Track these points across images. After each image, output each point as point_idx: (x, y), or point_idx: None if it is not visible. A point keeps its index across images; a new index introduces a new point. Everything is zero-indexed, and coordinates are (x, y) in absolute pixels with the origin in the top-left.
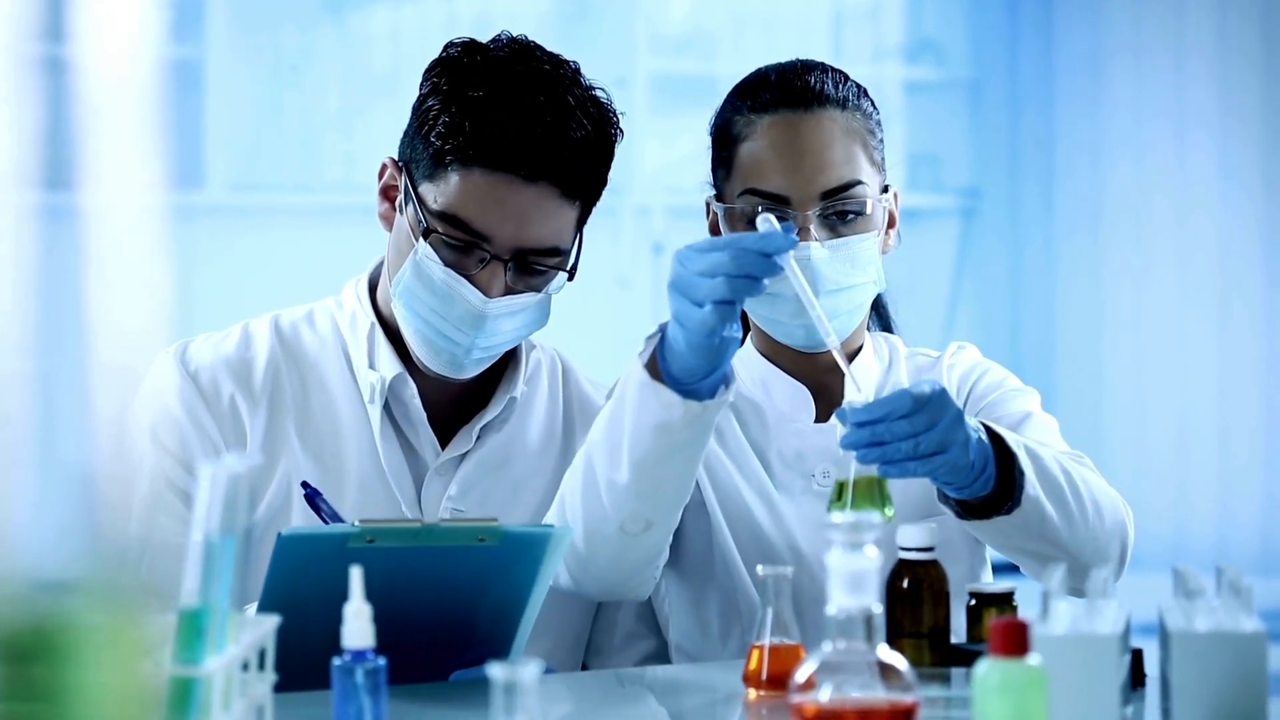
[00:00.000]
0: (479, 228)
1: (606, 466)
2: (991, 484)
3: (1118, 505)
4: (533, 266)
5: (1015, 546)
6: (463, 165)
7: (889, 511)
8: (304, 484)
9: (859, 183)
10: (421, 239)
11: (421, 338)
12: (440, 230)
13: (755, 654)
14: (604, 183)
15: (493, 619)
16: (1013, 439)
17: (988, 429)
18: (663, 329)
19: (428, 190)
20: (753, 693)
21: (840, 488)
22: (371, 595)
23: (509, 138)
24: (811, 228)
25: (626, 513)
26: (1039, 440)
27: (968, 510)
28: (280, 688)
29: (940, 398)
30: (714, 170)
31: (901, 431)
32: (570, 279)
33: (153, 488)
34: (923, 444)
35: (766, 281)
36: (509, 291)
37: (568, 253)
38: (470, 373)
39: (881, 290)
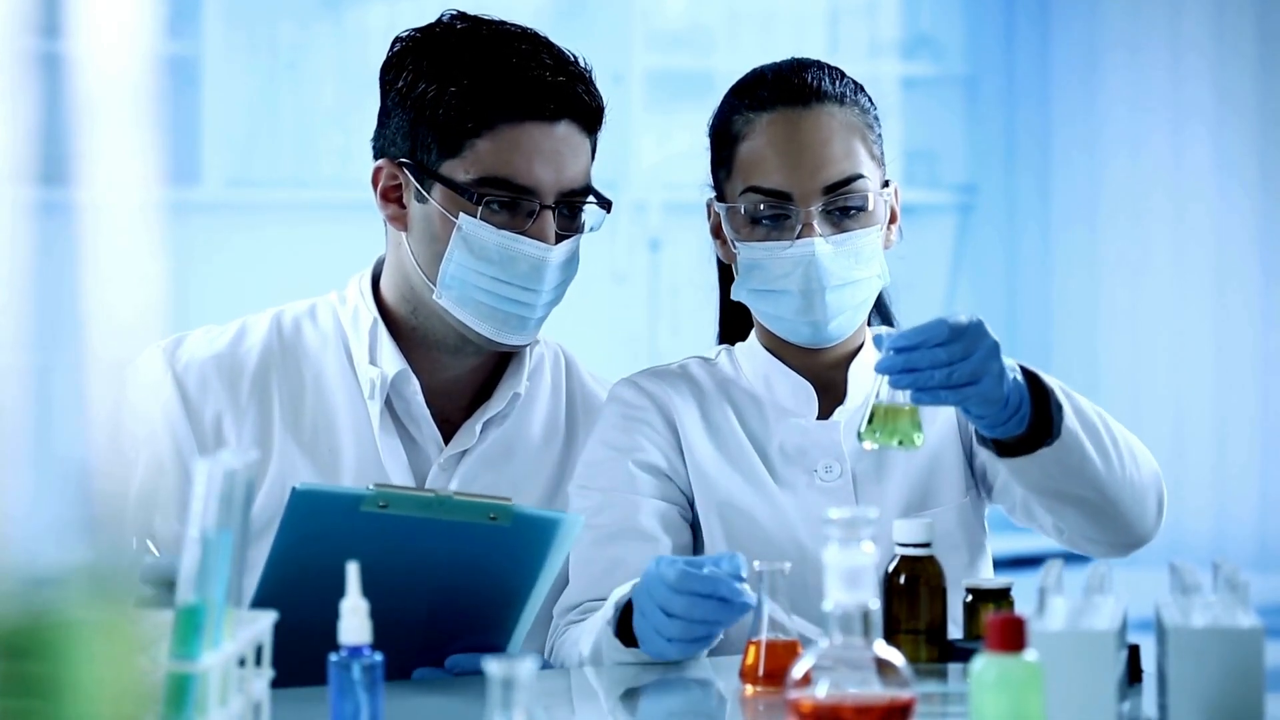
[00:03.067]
0: (523, 181)
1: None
2: (1026, 423)
3: (1150, 457)
4: (574, 209)
5: (1055, 489)
6: (487, 128)
7: (918, 439)
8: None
9: (860, 176)
10: (465, 214)
11: (484, 309)
12: (488, 194)
13: (752, 649)
14: (603, 114)
15: (495, 602)
16: (1049, 378)
17: (1023, 369)
18: (632, 614)
19: (453, 168)
20: (749, 688)
21: (872, 414)
22: (377, 565)
23: (520, 86)
24: (815, 223)
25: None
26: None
27: (1005, 450)
28: (280, 649)
29: (977, 328)
30: (714, 171)
31: (937, 359)
32: (608, 211)
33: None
34: (956, 373)
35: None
36: (559, 239)
37: (597, 192)
38: (532, 334)
39: (886, 284)
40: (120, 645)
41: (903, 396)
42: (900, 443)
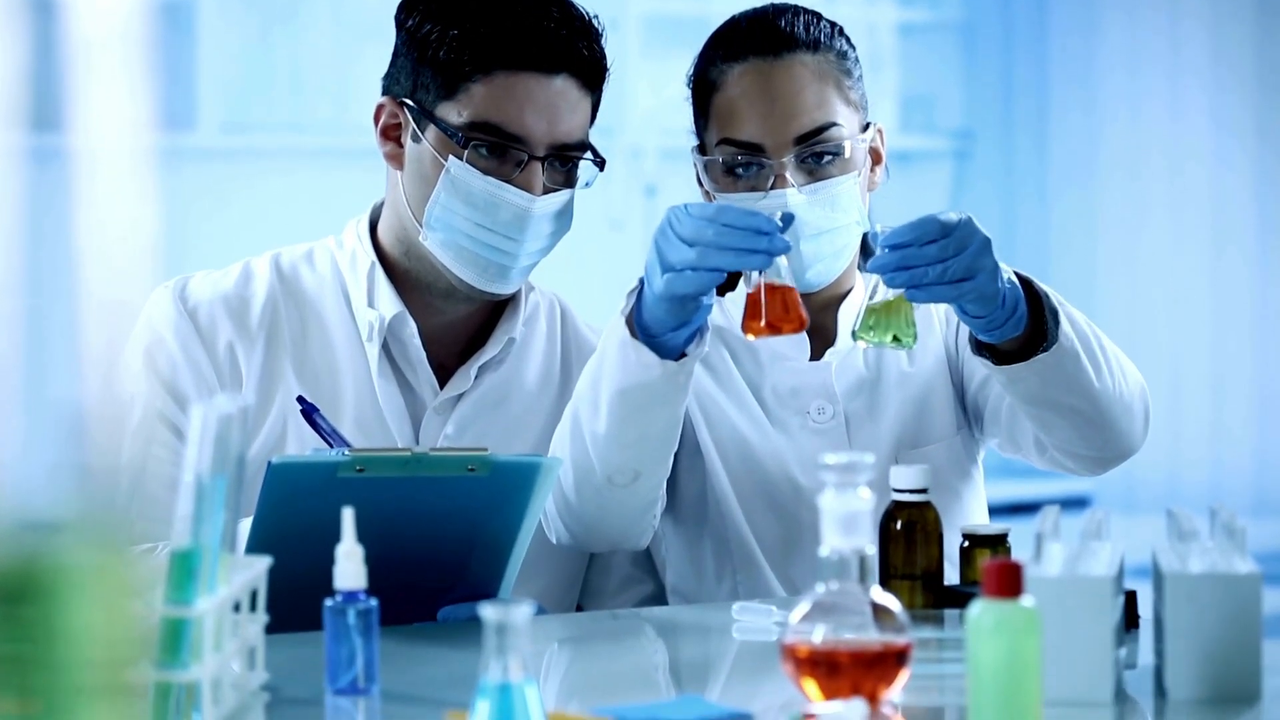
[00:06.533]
0: (514, 129)
1: (589, 420)
2: (1023, 325)
3: (1136, 371)
4: (566, 162)
5: (1047, 399)
6: (483, 73)
7: (912, 336)
8: (300, 399)
9: (833, 125)
10: (453, 156)
11: (466, 255)
12: (476, 139)
13: (752, 297)
14: (606, 74)
15: (483, 551)
16: (1041, 284)
17: (1018, 274)
18: (642, 281)
19: (447, 110)
20: (750, 335)
21: (868, 313)
22: (361, 526)
23: (522, 35)
24: (788, 174)
25: (613, 466)
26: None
27: (1002, 359)
28: (269, 615)
29: (967, 225)
30: (695, 122)
31: (930, 256)
32: (601, 169)
33: (144, 420)
34: (951, 269)
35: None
36: (547, 191)
37: (592, 148)
38: (515, 284)
39: (866, 230)
40: (114, 590)
41: (894, 296)
42: (895, 339)
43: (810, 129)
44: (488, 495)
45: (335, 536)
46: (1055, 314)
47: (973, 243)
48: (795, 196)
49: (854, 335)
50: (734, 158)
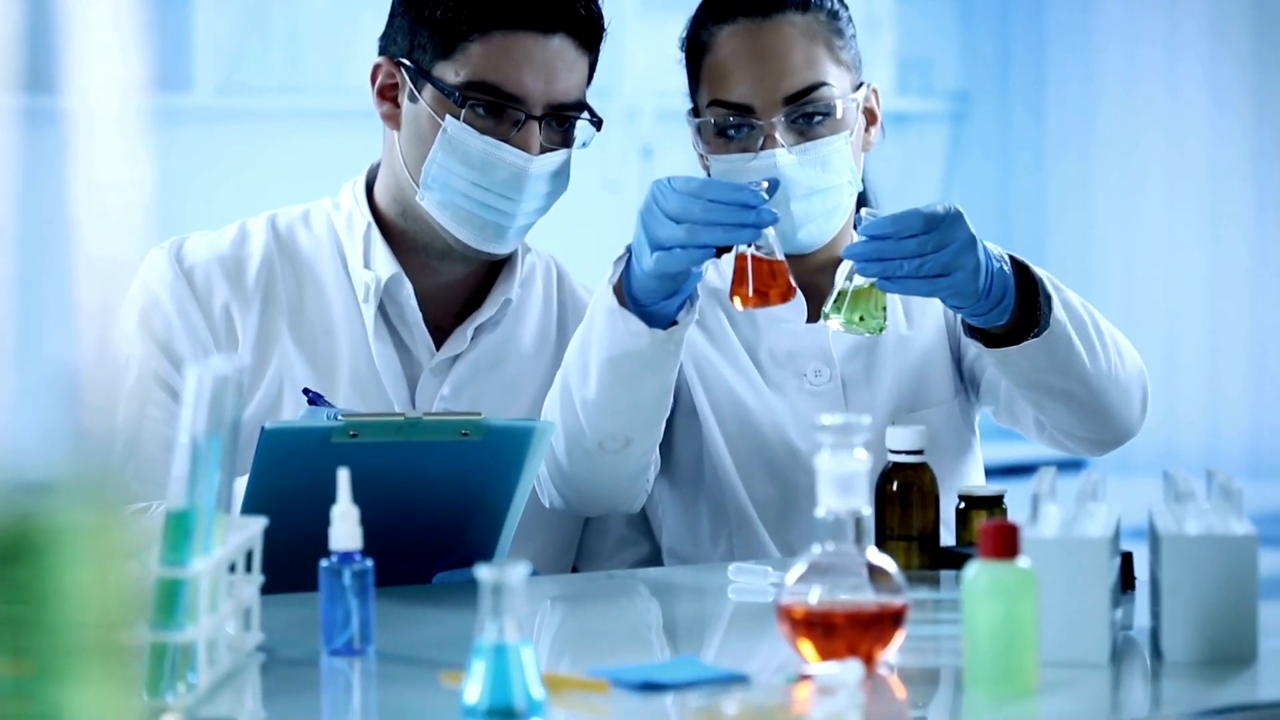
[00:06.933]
0: (511, 89)
1: (579, 387)
2: (1009, 314)
3: (1135, 354)
4: (564, 122)
5: (1040, 382)
6: (480, 32)
7: (881, 322)
8: (306, 390)
9: (822, 84)
10: (450, 115)
11: (463, 214)
12: (474, 98)
13: (740, 266)
14: (603, 34)
15: (477, 516)
16: (1039, 270)
17: (1014, 260)
18: (630, 249)
19: (444, 69)
20: (738, 301)
21: (839, 295)
22: (356, 491)
23: None
24: (777, 134)
25: (604, 432)
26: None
27: (993, 341)
28: (264, 581)
29: (953, 221)
30: (689, 85)
31: (907, 250)
32: (599, 129)
33: (140, 381)
34: (927, 264)
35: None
36: (544, 151)
37: (589, 108)
38: (512, 244)
39: (859, 190)
40: (108, 551)
41: (867, 283)
42: (861, 319)
43: (799, 89)
44: (481, 459)
45: (330, 501)
46: (1049, 298)
47: (954, 241)
48: (785, 157)
49: (824, 314)
50: (725, 119)
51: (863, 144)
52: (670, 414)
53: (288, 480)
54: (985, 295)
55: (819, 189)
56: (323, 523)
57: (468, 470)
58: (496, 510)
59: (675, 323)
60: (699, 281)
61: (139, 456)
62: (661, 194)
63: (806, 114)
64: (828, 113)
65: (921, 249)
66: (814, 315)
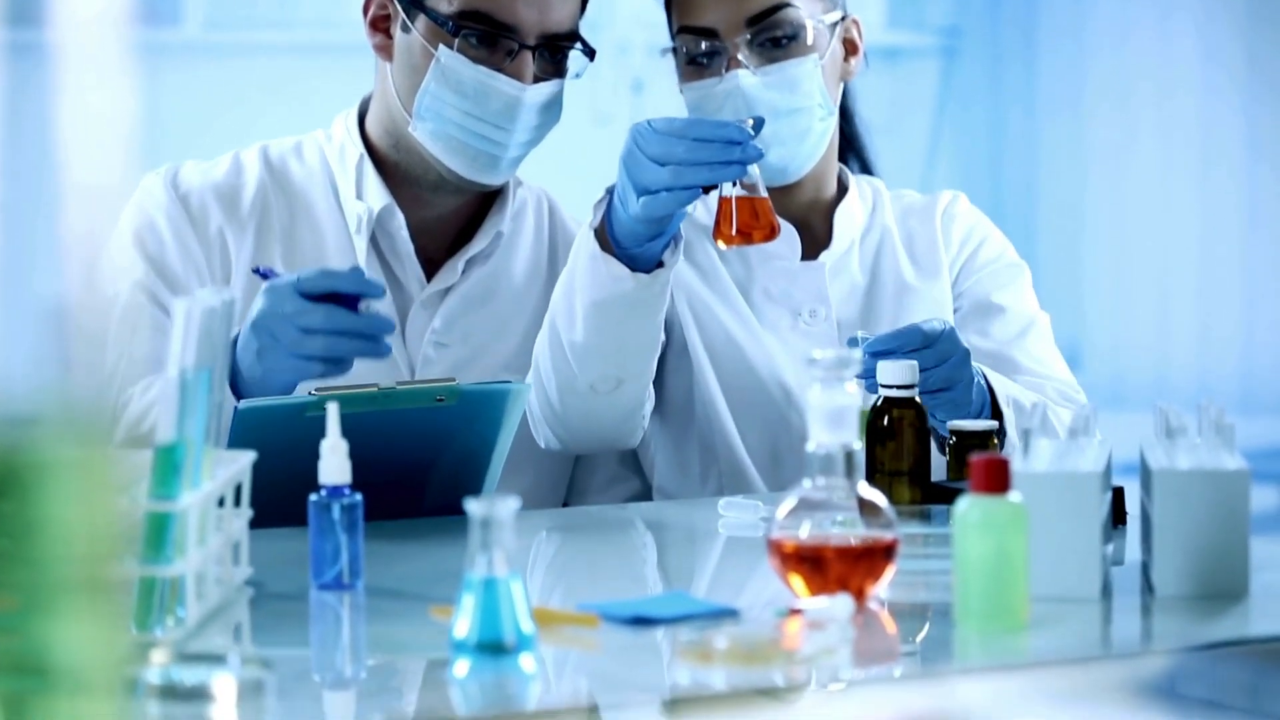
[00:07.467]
0: (505, 18)
1: (566, 330)
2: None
3: (1080, 402)
4: (556, 52)
5: None
6: None
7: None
8: (255, 269)
9: (786, 5)
10: (444, 45)
11: (456, 144)
12: (467, 27)
13: (723, 205)
14: None
15: (457, 477)
16: (1003, 395)
17: (985, 375)
18: (610, 192)
19: None
20: (721, 242)
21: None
22: None
23: None
24: (740, 56)
25: (594, 374)
26: (1038, 375)
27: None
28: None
29: (949, 336)
30: (667, 20)
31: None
32: (591, 59)
33: (133, 299)
34: (930, 380)
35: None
36: (537, 80)
37: (582, 38)
38: (504, 175)
39: (833, 116)
40: (96, 484)
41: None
42: None
43: (761, 9)
44: (458, 424)
45: (309, 474)
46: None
47: (953, 355)
48: (748, 78)
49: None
50: (695, 45)
51: (842, 73)
52: (662, 351)
53: (265, 456)
54: (971, 406)
55: (786, 110)
56: (302, 496)
57: (445, 434)
58: (476, 472)
59: (661, 264)
60: (684, 220)
61: (128, 376)
62: (642, 137)
63: (774, 37)
64: (794, 35)
65: (924, 364)
66: (808, 253)
